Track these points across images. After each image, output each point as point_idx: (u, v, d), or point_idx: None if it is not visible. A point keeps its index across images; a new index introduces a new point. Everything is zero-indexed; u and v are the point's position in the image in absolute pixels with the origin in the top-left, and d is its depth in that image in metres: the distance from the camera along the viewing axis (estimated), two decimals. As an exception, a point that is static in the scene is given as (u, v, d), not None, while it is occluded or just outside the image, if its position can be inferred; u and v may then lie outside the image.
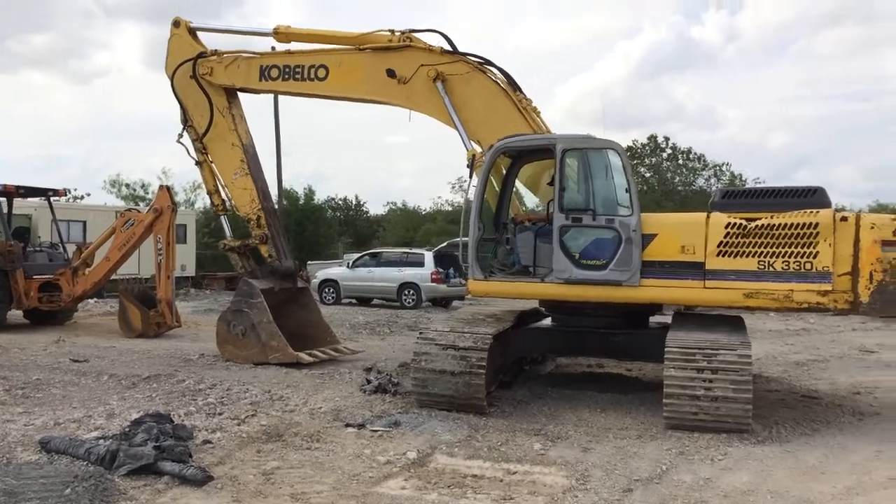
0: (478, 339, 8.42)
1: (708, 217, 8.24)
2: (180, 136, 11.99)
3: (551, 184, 9.44)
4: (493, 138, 9.32)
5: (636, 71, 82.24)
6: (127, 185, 44.23)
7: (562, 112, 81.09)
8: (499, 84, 9.89)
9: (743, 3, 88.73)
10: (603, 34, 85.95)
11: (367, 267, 23.75)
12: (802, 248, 7.85)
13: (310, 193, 46.14)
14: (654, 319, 9.89)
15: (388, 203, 56.50)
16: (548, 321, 10.17)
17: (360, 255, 25.95)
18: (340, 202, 56.38)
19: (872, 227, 7.76)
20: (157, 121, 79.44)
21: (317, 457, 6.57)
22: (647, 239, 8.28)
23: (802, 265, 7.81)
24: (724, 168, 49.15)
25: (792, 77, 79.56)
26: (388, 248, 28.35)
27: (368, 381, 9.80)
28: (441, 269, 22.51)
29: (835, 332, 17.90)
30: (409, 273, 22.64)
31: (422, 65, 10.07)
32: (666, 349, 7.75)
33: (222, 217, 12.46)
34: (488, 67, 9.97)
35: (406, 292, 22.53)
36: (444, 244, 24.05)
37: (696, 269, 8.10)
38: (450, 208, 51.04)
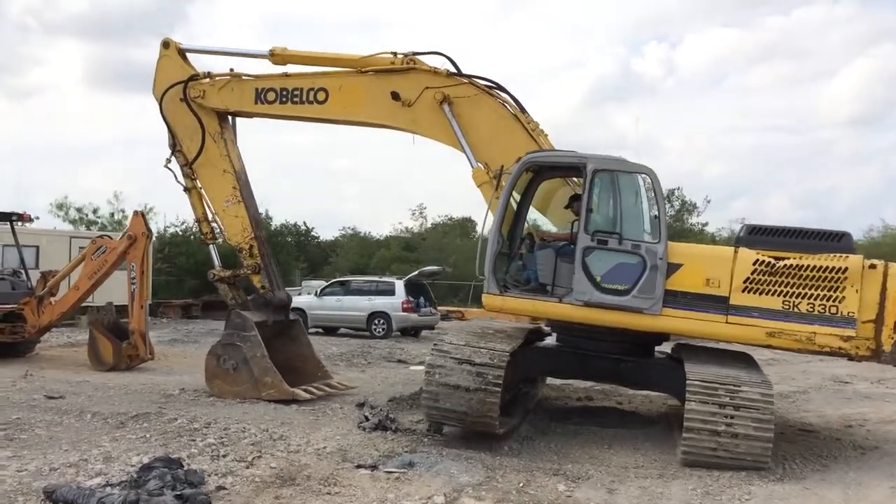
0: (494, 355, 8.24)
1: (736, 252, 8.23)
2: (168, 161, 11.56)
3: (568, 207, 9.39)
4: (502, 160, 9.24)
5: (582, 100, 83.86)
6: (78, 210, 42.80)
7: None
8: (507, 107, 9.80)
9: (682, 37, 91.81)
10: (548, 65, 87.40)
11: (336, 295, 23.37)
12: (829, 291, 7.87)
13: (266, 219, 45.40)
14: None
15: (342, 228, 55.67)
16: (551, 341, 10.04)
17: (328, 283, 25.54)
18: (292, 227, 55.58)
19: None
20: (98, 141, 77.25)
21: (339, 502, 6.30)
22: (672, 268, 8.20)
23: (828, 308, 7.83)
24: (676, 193, 50.01)
25: (727, 109, 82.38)
26: (355, 276, 27.98)
27: (367, 419, 9.51)
28: (412, 299, 22.29)
29: (804, 363, 18.21)
30: (379, 302, 22.36)
31: (426, 87, 9.92)
32: (688, 382, 7.69)
33: (211, 246, 11.97)
34: (496, 90, 9.88)
35: (376, 321, 22.23)
36: (415, 273, 23.82)
37: (719, 304, 8.07)
38: (407, 235, 50.71)
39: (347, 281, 24.93)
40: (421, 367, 16.28)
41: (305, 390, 10.86)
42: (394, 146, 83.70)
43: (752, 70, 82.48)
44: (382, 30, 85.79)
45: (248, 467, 7.16)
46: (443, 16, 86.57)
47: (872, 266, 7.91)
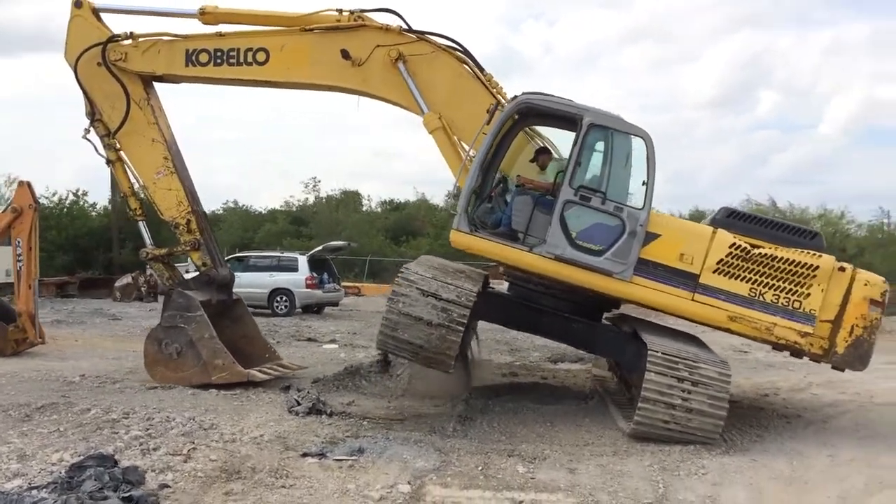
0: (462, 293, 8.01)
1: (714, 233, 8.23)
2: (87, 131, 10.45)
3: (534, 160, 9.12)
4: (462, 119, 8.92)
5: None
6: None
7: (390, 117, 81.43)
8: (466, 64, 9.39)
9: (558, 17, 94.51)
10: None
11: (234, 272, 22.29)
12: (797, 286, 8.02)
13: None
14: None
15: (224, 202, 53.25)
16: (504, 288, 9.85)
17: (226, 258, 24.34)
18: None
19: (866, 285, 8.08)
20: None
21: (298, 496, 5.87)
22: (649, 237, 8.11)
23: (792, 302, 7.99)
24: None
25: (601, 88, 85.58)
26: (255, 251, 26.87)
27: (298, 403, 9.02)
28: (315, 274, 21.61)
29: (700, 333, 18.92)
30: (281, 279, 21.54)
31: (378, 45, 9.35)
32: (650, 353, 7.67)
33: (141, 223, 10.95)
34: (452, 47, 9.44)
35: (279, 298, 21.42)
36: (319, 248, 23.08)
37: (689, 280, 8.09)
38: (295, 209, 49.23)
39: (246, 256, 23.88)
40: (334, 346, 15.90)
41: (260, 371, 10.20)
42: (265, 114, 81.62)
43: (623, 51, 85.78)
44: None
45: (185, 461, 6.58)
46: None
47: (842, 269, 8.11)
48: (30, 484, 5.72)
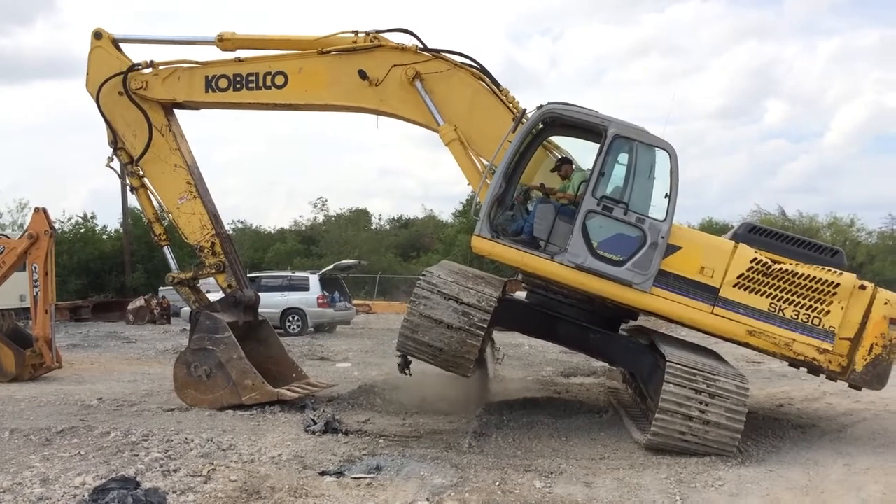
0: (482, 297, 8.11)
1: (735, 247, 8.28)
2: (110, 159, 10.64)
3: (555, 170, 9.21)
4: (481, 136, 9.06)
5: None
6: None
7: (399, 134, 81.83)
8: (483, 81, 9.49)
9: (564, 32, 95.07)
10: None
11: (248, 293, 22.42)
12: (817, 302, 8.06)
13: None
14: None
15: (231, 222, 53.52)
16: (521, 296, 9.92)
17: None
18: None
19: (886, 304, 8.09)
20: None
21: (319, 515, 5.93)
22: (670, 249, 8.17)
23: (811, 318, 8.02)
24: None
25: (608, 102, 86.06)
26: (266, 271, 27.01)
27: (314, 422, 9.09)
28: (327, 294, 21.70)
29: (713, 344, 18.88)
30: (293, 298, 21.65)
31: (394, 65, 9.49)
32: (668, 364, 7.70)
33: (166, 248, 11.10)
34: (467, 63, 9.57)
35: (290, 318, 21.52)
36: (330, 266, 23.20)
37: (709, 293, 8.13)
38: (304, 228, 49.42)
39: (257, 277, 24.00)
40: (347, 365, 15.96)
41: (289, 389, 10.27)
42: (274, 138, 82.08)
43: (629, 65, 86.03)
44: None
45: (205, 482, 6.65)
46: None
47: (862, 287, 8.13)
48: (55, 508, 5.81)
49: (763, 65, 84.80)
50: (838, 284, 8.04)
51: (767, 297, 8.11)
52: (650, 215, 8.28)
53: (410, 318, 8.16)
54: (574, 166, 9.46)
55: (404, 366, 9.25)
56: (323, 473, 7.05)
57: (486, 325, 8.03)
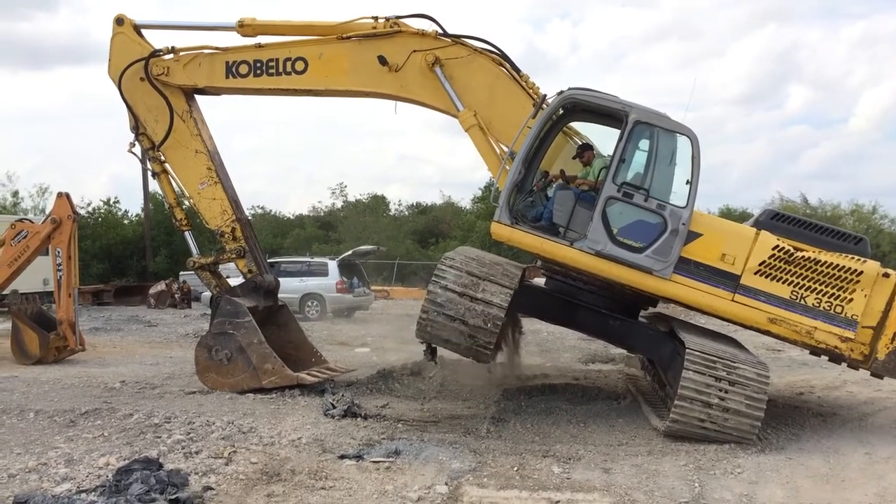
0: (504, 277, 8.27)
1: (757, 234, 8.22)
2: (132, 145, 10.70)
3: (576, 157, 9.20)
4: (501, 121, 9.03)
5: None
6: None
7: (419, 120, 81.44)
8: (503, 66, 9.44)
9: (583, 16, 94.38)
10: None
11: (266, 278, 22.56)
12: (839, 290, 7.98)
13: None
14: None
15: (251, 207, 53.77)
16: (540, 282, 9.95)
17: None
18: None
19: None
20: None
21: (338, 497, 5.99)
22: (691, 236, 8.12)
23: (834, 307, 7.95)
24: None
25: (627, 87, 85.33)
26: (286, 257, 27.13)
27: (333, 406, 9.16)
28: (346, 279, 21.78)
29: (731, 332, 18.78)
30: (312, 283, 21.73)
31: (414, 51, 9.47)
32: (687, 351, 7.68)
33: (187, 233, 11.17)
34: (487, 49, 9.52)
35: (309, 303, 21.63)
36: (349, 252, 23.27)
37: (730, 281, 8.08)
38: (322, 214, 49.58)
39: (276, 262, 24.11)
40: (366, 350, 16.03)
41: (309, 373, 10.34)
42: (294, 124, 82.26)
43: (648, 49, 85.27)
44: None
45: (227, 464, 6.74)
46: None
47: (886, 275, 8.04)
48: (78, 488, 5.91)
49: (784, 49, 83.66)
50: (861, 272, 7.96)
51: (789, 284, 8.03)
52: (671, 202, 8.22)
53: (432, 299, 8.18)
54: (595, 153, 9.41)
55: (430, 353, 9.28)
56: (342, 457, 7.11)
57: (507, 303, 8.03)
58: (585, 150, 9.36)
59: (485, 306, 8.00)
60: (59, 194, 13.19)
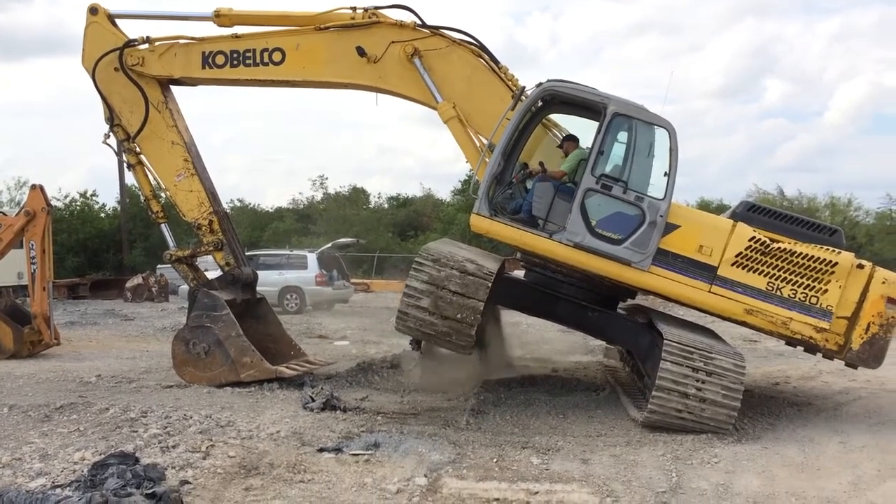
0: (481, 269, 8.19)
1: (734, 226, 8.26)
2: (107, 136, 10.55)
3: (560, 146, 9.19)
4: (480, 114, 9.02)
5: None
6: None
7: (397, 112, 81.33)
8: (482, 58, 9.42)
9: (563, 9, 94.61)
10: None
11: (244, 271, 22.40)
12: (815, 281, 8.05)
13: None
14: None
15: (230, 201, 53.22)
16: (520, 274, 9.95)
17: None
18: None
19: (884, 283, 8.09)
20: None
21: (317, 490, 5.97)
22: (668, 228, 8.15)
23: (809, 297, 8.02)
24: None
25: (607, 80, 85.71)
26: (264, 250, 26.97)
27: (312, 399, 9.12)
28: (325, 272, 21.69)
29: (709, 323, 18.93)
30: (291, 276, 21.63)
31: (393, 42, 9.42)
32: (665, 342, 7.72)
33: (163, 226, 11.03)
34: (466, 40, 9.49)
35: (288, 296, 21.52)
36: (329, 245, 23.18)
37: (707, 272, 8.13)
38: (301, 207, 49.23)
39: (255, 255, 23.94)
40: (345, 343, 15.98)
41: (288, 367, 10.28)
42: (272, 116, 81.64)
43: (628, 43, 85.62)
44: None
45: (204, 458, 6.67)
46: None
47: (860, 266, 8.13)
48: (53, 483, 5.83)
49: (762, 43, 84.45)
50: (836, 263, 8.04)
51: (765, 275, 8.10)
52: (649, 194, 8.26)
53: (410, 292, 8.16)
54: (576, 144, 9.42)
55: (416, 344, 9.30)
56: (321, 450, 7.08)
57: (487, 293, 8.01)
58: (566, 141, 9.38)
59: (463, 299, 7.96)
60: (33, 186, 12.99)
